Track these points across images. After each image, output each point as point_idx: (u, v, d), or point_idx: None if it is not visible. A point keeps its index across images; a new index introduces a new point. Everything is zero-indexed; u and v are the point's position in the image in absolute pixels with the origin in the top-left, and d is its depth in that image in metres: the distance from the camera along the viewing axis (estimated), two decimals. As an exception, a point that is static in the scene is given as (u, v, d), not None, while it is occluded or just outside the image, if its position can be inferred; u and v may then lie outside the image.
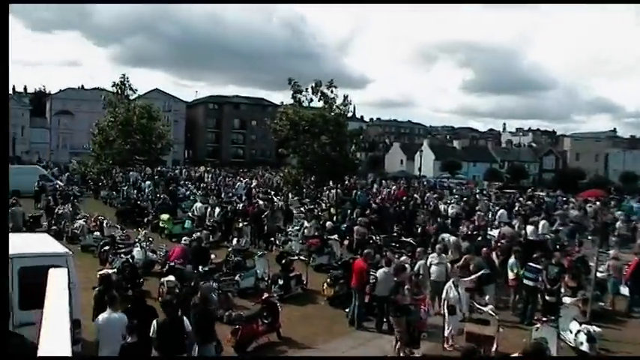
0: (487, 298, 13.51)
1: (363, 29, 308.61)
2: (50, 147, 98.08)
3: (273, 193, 36.90)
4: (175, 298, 10.53)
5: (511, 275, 15.15)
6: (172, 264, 15.26)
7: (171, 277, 13.66)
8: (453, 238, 19.22)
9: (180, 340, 8.67)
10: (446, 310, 12.37)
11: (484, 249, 16.14)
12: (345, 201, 31.62)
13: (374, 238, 21.16)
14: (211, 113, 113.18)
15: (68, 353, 2.34)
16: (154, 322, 8.76)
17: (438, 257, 14.89)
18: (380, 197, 37.19)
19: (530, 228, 22.21)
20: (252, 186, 40.58)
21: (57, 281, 3.60)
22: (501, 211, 28.68)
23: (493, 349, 11.04)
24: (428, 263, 14.87)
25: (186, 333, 8.76)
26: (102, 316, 8.83)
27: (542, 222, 23.43)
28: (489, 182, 67.11)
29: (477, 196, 40.81)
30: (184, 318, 8.97)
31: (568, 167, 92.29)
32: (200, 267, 15.03)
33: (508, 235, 20.24)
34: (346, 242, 22.20)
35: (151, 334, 8.63)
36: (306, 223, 21.71)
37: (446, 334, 12.28)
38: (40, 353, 2.39)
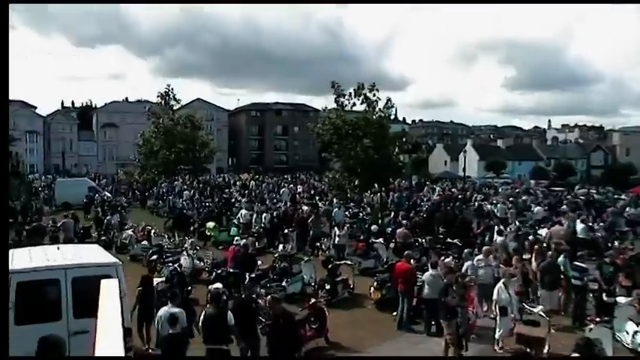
0: (540, 303, 13.17)
1: (401, 30, 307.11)
2: (97, 159, 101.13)
3: (318, 198, 37.04)
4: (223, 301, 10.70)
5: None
6: (227, 270, 15.80)
7: (219, 285, 13.83)
8: (499, 239, 18.88)
9: (223, 332, 9.30)
10: (497, 312, 12.15)
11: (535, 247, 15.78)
12: (388, 204, 31.51)
13: (419, 240, 20.97)
14: (253, 120, 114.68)
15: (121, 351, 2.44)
16: (203, 311, 9.79)
17: (484, 259, 14.62)
18: (424, 199, 36.90)
19: (580, 226, 21.62)
20: (296, 192, 40.84)
21: (109, 291, 3.76)
22: (537, 208, 28.05)
23: (544, 351, 10.81)
24: (474, 265, 14.64)
25: (229, 326, 9.37)
26: (163, 310, 9.85)
27: (584, 220, 22.81)
28: (536, 181, 65.64)
29: (524, 195, 39.91)
30: (229, 312, 9.65)
31: (618, 163, 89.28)
32: (247, 274, 15.19)
33: (556, 234, 19.72)
34: (392, 245, 22.08)
35: (200, 322, 9.61)
36: (336, 231, 21.48)
37: (496, 336, 12.07)
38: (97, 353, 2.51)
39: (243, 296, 10.48)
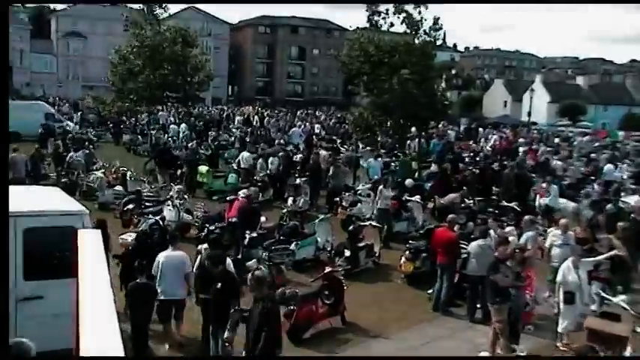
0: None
1: None
2: (57, 78, 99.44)
3: (339, 141, 36.92)
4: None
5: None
6: (231, 220, 16.21)
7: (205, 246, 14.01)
8: (571, 205, 18.79)
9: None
10: (561, 299, 12.13)
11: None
12: (429, 153, 31.39)
13: (466, 201, 20.95)
14: (262, 39, 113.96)
15: (118, 338, 2.37)
16: (199, 257, 11.51)
17: (562, 235, 14.32)
18: (475, 149, 36.64)
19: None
20: (312, 132, 40.77)
21: (92, 246, 3.61)
22: (608, 166, 27.74)
23: (627, 352, 10.63)
24: (549, 242, 14.56)
25: (231, 273, 10.48)
26: (163, 253, 11.05)
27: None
28: (627, 133, 64.54)
29: (608, 151, 39.43)
30: (228, 259, 10.96)
31: None
32: (247, 232, 15.34)
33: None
34: (431, 205, 22.08)
35: (197, 263, 11.22)
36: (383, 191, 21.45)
37: (560, 330, 12.09)
38: (85, 337, 2.41)
39: (227, 269, 10.61)
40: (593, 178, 27.13)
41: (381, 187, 19.69)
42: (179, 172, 26.12)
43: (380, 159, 26.60)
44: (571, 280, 11.99)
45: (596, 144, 47.00)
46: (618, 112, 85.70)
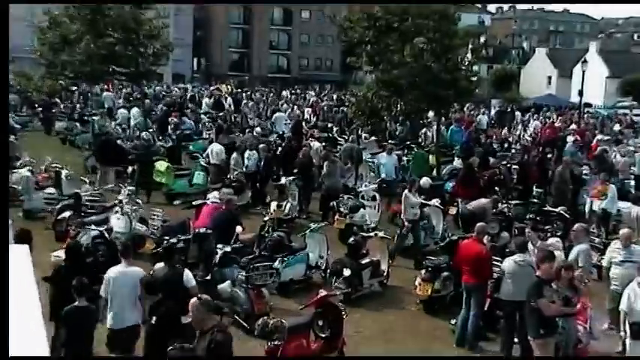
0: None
1: None
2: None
3: (336, 129, 36.94)
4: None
5: None
6: (199, 231, 16.13)
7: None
8: (636, 210, 18.89)
9: (180, 295, 10.60)
10: (627, 332, 12.22)
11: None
12: (451, 144, 31.46)
13: (499, 205, 21.05)
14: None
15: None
16: (150, 272, 11.72)
17: (624, 250, 14.30)
18: (508, 139, 36.75)
19: None
20: (302, 118, 40.78)
21: (17, 266, 3.75)
22: None
23: None
24: (607, 259, 14.64)
25: (189, 289, 11.00)
26: (115, 269, 11.27)
27: None
28: None
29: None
30: (187, 270, 11.54)
31: None
32: (219, 247, 15.38)
33: None
34: (454, 210, 22.17)
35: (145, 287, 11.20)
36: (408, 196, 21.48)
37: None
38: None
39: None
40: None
41: (405, 191, 19.57)
42: (130, 169, 26.09)
43: (394, 154, 26.55)
44: (639, 308, 12.04)
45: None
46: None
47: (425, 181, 23.49)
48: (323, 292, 13.01)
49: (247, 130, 33.30)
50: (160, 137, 31.17)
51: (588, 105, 66.51)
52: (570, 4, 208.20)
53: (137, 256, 16.94)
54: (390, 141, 32.72)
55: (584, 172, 26.83)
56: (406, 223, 19.07)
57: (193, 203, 18.98)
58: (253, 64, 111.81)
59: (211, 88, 65.80)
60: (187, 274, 11.47)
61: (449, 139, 32.93)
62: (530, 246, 14.54)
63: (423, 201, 21.19)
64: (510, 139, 37.20)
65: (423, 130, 34.40)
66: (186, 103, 49.18)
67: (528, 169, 25.73)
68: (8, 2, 3.93)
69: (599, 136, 37.30)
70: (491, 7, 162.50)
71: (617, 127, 46.69)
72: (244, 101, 51.15)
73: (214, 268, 14.87)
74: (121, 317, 10.94)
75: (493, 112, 57.29)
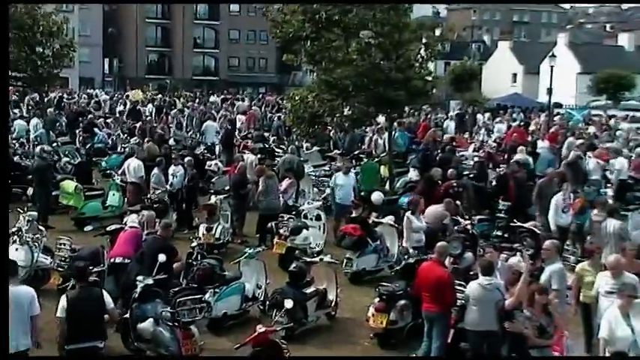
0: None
1: None
2: None
3: (273, 139, 36.90)
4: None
5: None
6: (115, 260, 16.11)
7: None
8: (615, 225, 19.12)
9: (96, 322, 11.44)
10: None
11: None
12: (406, 153, 31.61)
13: (460, 221, 21.19)
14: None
15: None
16: (63, 296, 11.91)
17: (614, 279, 13.88)
18: (472, 146, 37.05)
19: None
20: (233, 127, 40.62)
21: None
22: None
23: None
24: (595, 289, 14.73)
25: (108, 310, 11.69)
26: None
27: None
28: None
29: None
30: (105, 292, 11.98)
31: None
32: (140, 278, 15.20)
33: None
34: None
35: (58, 313, 11.63)
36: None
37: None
38: None
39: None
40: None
41: (407, 213, 19.50)
42: (30, 191, 25.76)
43: (352, 173, 25.79)
44: (621, 336, 12.17)
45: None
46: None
47: (377, 196, 23.60)
48: (262, 328, 12.94)
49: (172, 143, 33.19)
50: (66, 152, 30.78)
51: (558, 105, 67.35)
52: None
53: (41, 293, 16.71)
54: (335, 151, 32.84)
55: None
56: (410, 251, 18.69)
57: (108, 229, 18.71)
58: (175, 66, 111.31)
59: (127, 93, 65.22)
60: (107, 296, 11.91)
61: (400, 146, 33.14)
62: (500, 266, 14.66)
63: (375, 219, 21.32)
64: (473, 146, 37.47)
65: (373, 137, 34.48)
66: (97, 111, 48.61)
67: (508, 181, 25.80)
68: (8, 2, 4.03)
69: (569, 139, 37.63)
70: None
71: (591, 130, 47.24)
72: (164, 109, 50.58)
73: (134, 303, 14.59)
74: (13, 342, 10.99)
75: (453, 114, 57.75)
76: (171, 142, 33.14)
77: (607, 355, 12.12)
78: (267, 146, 33.76)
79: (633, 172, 29.30)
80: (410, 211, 19.42)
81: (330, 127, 31.57)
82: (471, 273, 15.26)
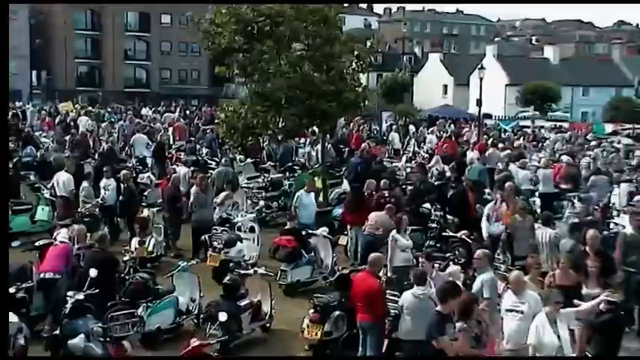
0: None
1: None
2: None
3: (207, 152, 36.74)
4: None
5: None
6: (44, 276, 15.72)
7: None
8: (549, 233, 19.30)
9: None
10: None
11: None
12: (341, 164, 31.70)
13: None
14: None
15: None
16: None
17: (515, 295, 14.23)
18: (405, 157, 37.33)
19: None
20: (165, 140, 40.34)
21: None
22: (622, 187, 28.69)
23: None
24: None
25: None
26: None
27: None
28: (617, 124, 66.95)
29: (592, 152, 40.78)
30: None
31: None
32: (70, 293, 15.01)
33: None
34: (344, 240, 22.44)
35: None
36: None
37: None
38: None
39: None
40: (572, 192, 28.01)
41: (393, 232, 19.04)
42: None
43: (312, 194, 25.04)
44: (547, 342, 12.32)
45: (577, 141, 48.58)
46: (603, 95, 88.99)
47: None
48: (196, 342, 12.88)
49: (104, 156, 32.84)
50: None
51: (488, 116, 68.14)
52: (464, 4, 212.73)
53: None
54: (269, 163, 32.88)
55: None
56: (389, 274, 17.90)
57: (37, 244, 18.43)
58: (106, 78, 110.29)
59: (57, 106, 64.40)
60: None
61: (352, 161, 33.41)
62: (436, 275, 14.74)
63: (311, 230, 21.33)
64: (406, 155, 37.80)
65: (307, 148, 34.56)
66: (25, 124, 47.99)
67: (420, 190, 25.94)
68: (8, 2, 4.05)
69: (498, 152, 37.95)
70: (379, 9, 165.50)
71: (518, 143, 47.75)
72: (91, 122, 49.91)
73: (64, 319, 14.38)
74: None
75: (384, 126, 58.09)
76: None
77: None
78: (200, 158, 33.64)
79: (559, 182, 29.78)
80: (395, 230, 18.99)
81: (263, 139, 31.44)
82: (405, 283, 15.28)
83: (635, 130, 61.58)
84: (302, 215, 23.21)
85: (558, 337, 12.26)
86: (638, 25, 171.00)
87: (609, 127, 64.02)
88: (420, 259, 16.87)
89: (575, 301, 13.88)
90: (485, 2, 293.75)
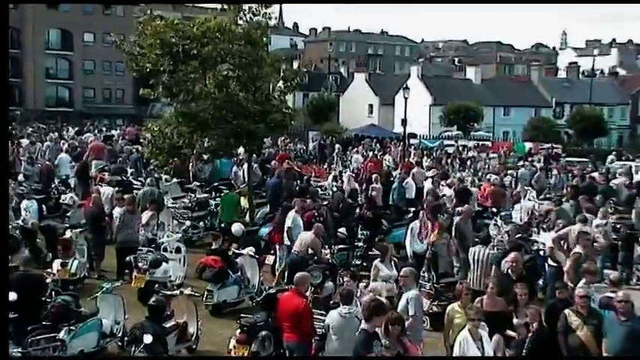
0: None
1: None
2: None
3: (131, 172, 36.45)
4: None
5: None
6: None
7: None
8: (484, 252, 19.45)
9: None
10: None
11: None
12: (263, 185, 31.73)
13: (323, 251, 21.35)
14: None
15: None
16: None
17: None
18: (331, 176, 37.43)
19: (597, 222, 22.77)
20: (88, 158, 39.89)
21: None
22: (523, 203, 29.22)
23: None
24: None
25: None
26: None
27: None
28: (536, 144, 68.09)
29: (514, 171, 41.43)
30: None
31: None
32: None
33: (575, 240, 20.61)
34: (270, 260, 22.51)
35: None
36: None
37: None
38: None
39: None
40: (494, 210, 28.41)
41: (376, 261, 18.52)
42: None
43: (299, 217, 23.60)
44: (472, 356, 12.50)
45: (496, 160, 49.44)
46: (522, 115, 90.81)
47: (237, 227, 23.55)
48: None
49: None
50: None
51: (413, 135, 68.72)
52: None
53: None
54: (194, 183, 32.72)
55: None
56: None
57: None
58: (27, 96, 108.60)
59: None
60: None
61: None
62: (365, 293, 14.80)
63: (236, 250, 21.27)
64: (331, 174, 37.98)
65: (233, 168, 34.51)
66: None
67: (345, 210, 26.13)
68: (8, 2, 3.93)
69: (418, 171, 38.34)
70: (304, 29, 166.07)
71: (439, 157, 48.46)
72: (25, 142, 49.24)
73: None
74: None
75: (311, 145, 58.31)
76: (21, 177, 32.34)
77: None
78: (124, 178, 33.33)
79: (483, 201, 30.20)
80: (379, 259, 18.56)
81: (189, 159, 31.31)
82: (332, 302, 15.33)
83: (554, 150, 62.96)
84: (295, 234, 22.47)
85: (482, 347, 12.45)
86: (554, 47, 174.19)
87: (529, 146, 65.18)
88: (345, 279, 16.97)
89: (508, 332, 14.15)
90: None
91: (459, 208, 24.12)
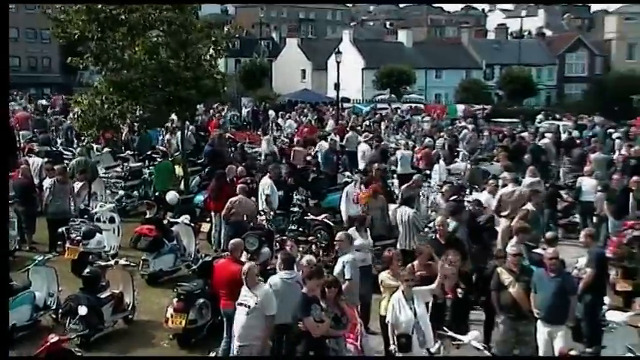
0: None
1: None
2: None
3: (62, 142, 35.97)
4: None
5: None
6: None
7: None
8: (408, 212, 19.52)
9: None
10: (395, 345, 12.60)
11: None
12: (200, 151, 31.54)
13: (258, 216, 21.26)
14: None
15: None
16: None
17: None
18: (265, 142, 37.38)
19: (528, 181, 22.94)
20: (15, 128, 39.22)
21: None
22: (441, 163, 29.47)
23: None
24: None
25: None
26: None
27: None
28: (468, 106, 68.53)
29: (446, 133, 41.63)
30: None
31: (613, 71, 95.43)
32: None
33: (513, 200, 20.71)
34: (206, 227, 22.36)
35: None
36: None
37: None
38: None
39: None
40: (427, 172, 28.54)
41: (351, 230, 17.55)
42: None
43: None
44: (403, 319, 12.48)
45: (429, 122, 49.84)
46: (454, 78, 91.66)
47: (171, 195, 23.36)
48: (54, 338, 12.51)
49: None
50: None
51: (346, 99, 68.83)
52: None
53: None
54: (127, 152, 32.38)
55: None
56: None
57: None
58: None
59: None
60: None
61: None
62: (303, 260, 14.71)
63: (171, 219, 21.10)
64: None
65: (166, 136, 34.26)
66: None
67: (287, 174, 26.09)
68: (8, 2, 3.75)
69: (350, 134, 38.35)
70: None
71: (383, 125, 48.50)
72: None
73: None
74: None
75: (244, 111, 58.10)
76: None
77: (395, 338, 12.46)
78: (54, 149, 32.87)
79: (418, 163, 30.32)
80: (355, 227, 17.64)
81: (122, 129, 30.96)
82: (268, 268, 15.23)
83: (484, 111, 63.64)
84: (273, 200, 22.67)
85: (414, 313, 12.48)
86: (484, 10, 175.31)
87: (460, 108, 65.60)
88: (289, 242, 16.91)
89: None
90: None
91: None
